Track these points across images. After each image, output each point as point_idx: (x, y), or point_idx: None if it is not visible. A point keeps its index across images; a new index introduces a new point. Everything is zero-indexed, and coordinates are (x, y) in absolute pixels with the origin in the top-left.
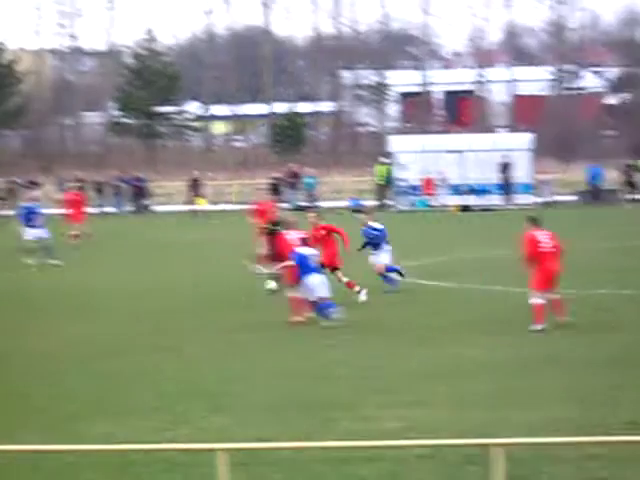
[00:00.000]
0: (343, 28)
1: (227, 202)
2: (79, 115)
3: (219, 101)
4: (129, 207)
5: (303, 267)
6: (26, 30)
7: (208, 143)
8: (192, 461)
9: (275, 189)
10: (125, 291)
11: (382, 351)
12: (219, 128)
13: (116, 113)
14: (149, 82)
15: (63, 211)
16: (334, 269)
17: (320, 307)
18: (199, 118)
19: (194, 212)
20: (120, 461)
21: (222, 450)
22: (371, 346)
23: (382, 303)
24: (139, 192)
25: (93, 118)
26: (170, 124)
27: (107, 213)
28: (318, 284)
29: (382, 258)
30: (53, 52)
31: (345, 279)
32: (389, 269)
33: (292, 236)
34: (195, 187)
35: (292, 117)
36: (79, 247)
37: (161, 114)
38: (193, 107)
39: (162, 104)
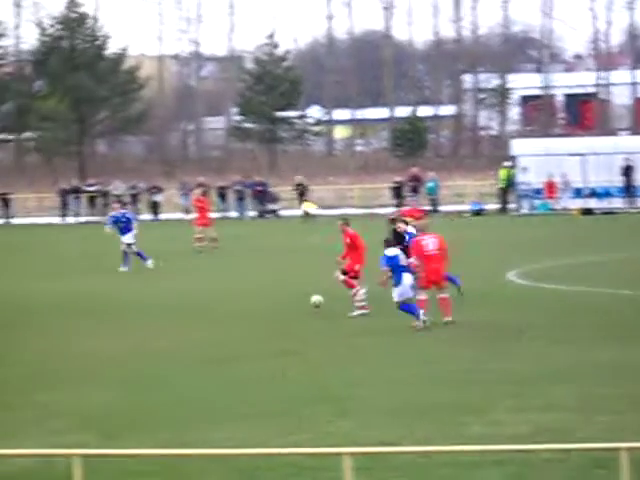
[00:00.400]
0: (464, 31)
1: (349, 206)
2: (201, 120)
3: (340, 105)
4: (251, 212)
5: (396, 268)
6: (148, 36)
7: (329, 147)
8: (318, 465)
9: (397, 193)
10: (245, 295)
11: (508, 354)
12: (340, 132)
13: (237, 118)
14: (270, 87)
15: (190, 216)
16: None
17: (407, 307)
18: (320, 122)
19: (306, 215)
20: (245, 465)
21: (348, 454)
22: (498, 349)
23: (501, 306)
24: (261, 197)
25: (215, 123)
26: (291, 129)
27: (230, 218)
28: (410, 284)
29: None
30: (175, 58)
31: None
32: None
33: (426, 241)
34: (301, 191)
35: (413, 121)
36: (203, 251)
37: (282, 119)
38: (314, 111)
39: (283, 109)
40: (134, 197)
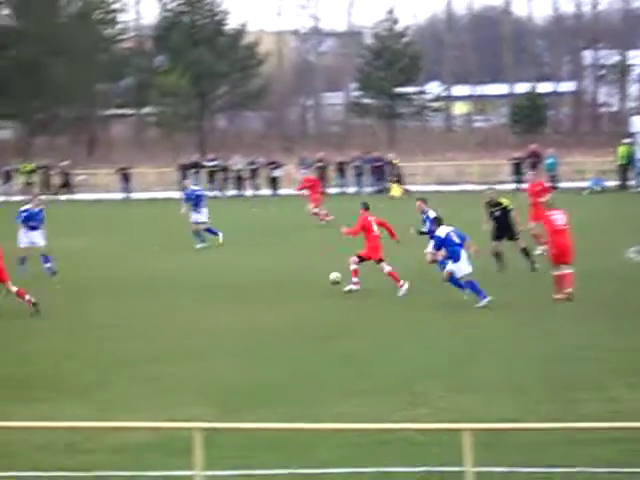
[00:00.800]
0: (583, 7)
1: (468, 182)
2: (320, 96)
3: (459, 81)
4: (370, 187)
5: (450, 246)
6: (267, 12)
7: (448, 123)
8: (431, 441)
9: (516, 169)
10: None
11: (628, 332)
12: (459, 108)
13: (356, 93)
14: (389, 62)
15: (304, 192)
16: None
17: (461, 284)
18: (439, 98)
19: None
20: (359, 440)
21: (469, 430)
22: (617, 327)
23: (620, 284)
24: (380, 172)
25: (333, 99)
26: (410, 104)
27: (348, 193)
28: (467, 261)
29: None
30: (294, 33)
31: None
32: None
33: (555, 216)
34: (392, 171)
35: (532, 97)
36: (326, 225)
37: (401, 94)
38: (433, 87)
39: (402, 84)
40: (253, 172)
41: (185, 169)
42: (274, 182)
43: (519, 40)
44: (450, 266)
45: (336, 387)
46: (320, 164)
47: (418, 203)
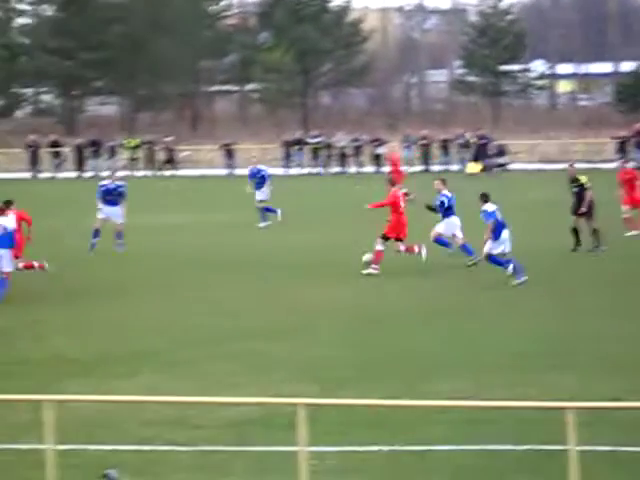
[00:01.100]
0: None
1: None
2: (423, 73)
3: (564, 59)
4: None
5: (497, 222)
6: None
7: (552, 102)
8: (542, 418)
9: (621, 148)
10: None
11: None
12: (564, 87)
13: (461, 71)
14: (494, 40)
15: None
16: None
17: (496, 259)
18: (544, 76)
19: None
20: (467, 417)
21: (571, 408)
22: None
23: None
24: (484, 150)
25: (437, 76)
26: (515, 82)
27: (451, 171)
28: (508, 239)
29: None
30: (398, 10)
31: (402, 247)
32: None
33: None
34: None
35: (638, 76)
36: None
37: (506, 72)
38: (538, 65)
39: (507, 62)
40: (357, 149)
41: (288, 146)
42: (377, 159)
43: (625, 18)
44: (490, 244)
45: (440, 364)
46: (424, 142)
47: (436, 182)
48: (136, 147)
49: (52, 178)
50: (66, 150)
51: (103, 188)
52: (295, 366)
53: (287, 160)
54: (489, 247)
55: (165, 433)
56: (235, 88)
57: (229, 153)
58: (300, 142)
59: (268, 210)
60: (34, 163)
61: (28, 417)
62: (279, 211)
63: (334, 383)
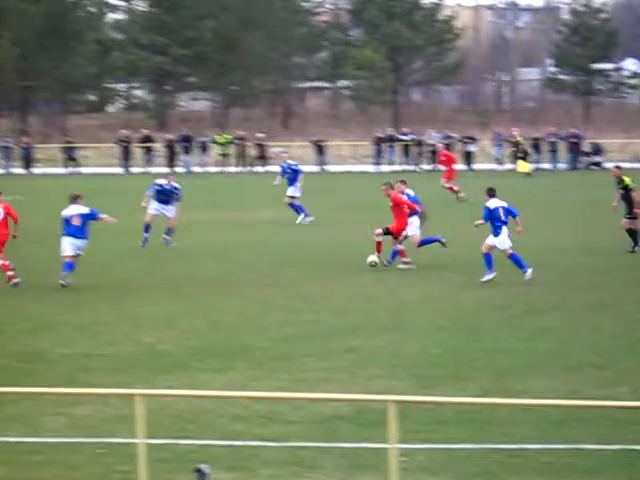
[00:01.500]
0: None
1: None
2: (515, 71)
3: None
4: (564, 164)
5: (495, 220)
6: None
7: None
8: (633, 419)
9: None
10: (554, 248)
11: None
12: None
13: (552, 69)
14: (586, 38)
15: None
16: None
17: (515, 257)
18: (636, 75)
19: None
20: (557, 416)
21: None
22: None
23: None
24: (576, 149)
25: (529, 74)
26: (607, 81)
27: (543, 169)
28: (507, 236)
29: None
30: (490, 8)
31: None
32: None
33: None
34: (517, 148)
35: None
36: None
37: (598, 71)
38: (630, 64)
39: (599, 61)
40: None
41: (380, 143)
42: (468, 157)
43: None
44: (491, 240)
45: (539, 362)
46: (513, 140)
47: (398, 184)
48: (227, 143)
49: (144, 173)
50: (157, 145)
51: (158, 187)
52: (388, 363)
53: (378, 157)
54: (495, 243)
55: (255, 428)
56: (326, 85)
57: (320, 149)
58: (391, 139)
59: (293, 207)
60: (126, 158)
61: (120, 411)
62: (303, 213)
63: (425, 380)
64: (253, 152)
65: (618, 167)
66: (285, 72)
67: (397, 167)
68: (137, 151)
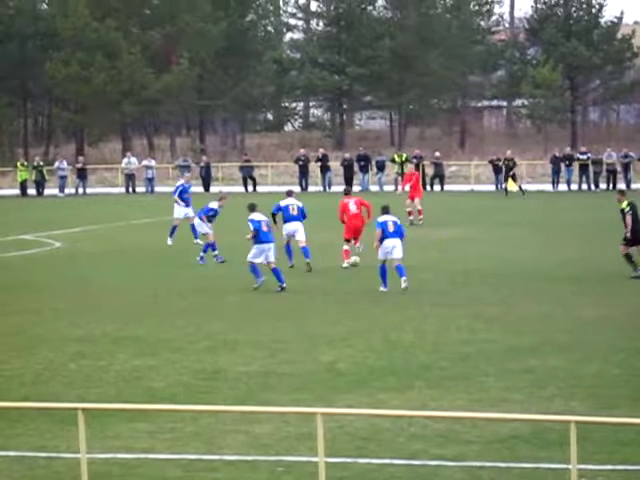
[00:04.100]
0: None
1: None
2: None
3: None
4: None
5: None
6: None
7: None
8: None
9: None
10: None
11: None
12: None
13: None
14: None
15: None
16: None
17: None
18: None
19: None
20: None
21: None
22: None
23: None
24: None
25: None
26: None
27: None
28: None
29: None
30: None
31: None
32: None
33: None
34: (510, 167)
35: None
36: None
37: None
38: None
39: None
40: (625, 166)
41: (557, 162)
42: None
43: None
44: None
45: None
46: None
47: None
48: (405, 162)
49: (321, 192)
50: (335, 164)
51: (180, 187)
52: (566, 383)
53: (557, 176)
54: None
55: (433, 448)
56: (503, 103)
57: (495, 168)
58: (569, 158)
59: None
60: (303, 177)
61: (300, 430)
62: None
63: (604, 400)
64: (430, 171)
65: (620, 192)
66: (462, 91)
67: (574, 186)
68: (314, 170)
